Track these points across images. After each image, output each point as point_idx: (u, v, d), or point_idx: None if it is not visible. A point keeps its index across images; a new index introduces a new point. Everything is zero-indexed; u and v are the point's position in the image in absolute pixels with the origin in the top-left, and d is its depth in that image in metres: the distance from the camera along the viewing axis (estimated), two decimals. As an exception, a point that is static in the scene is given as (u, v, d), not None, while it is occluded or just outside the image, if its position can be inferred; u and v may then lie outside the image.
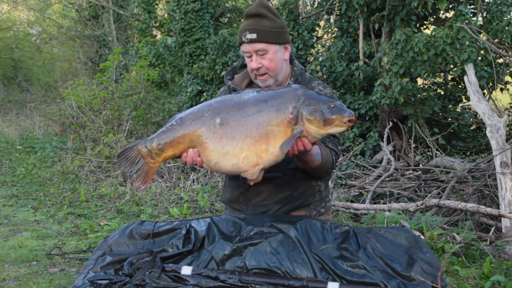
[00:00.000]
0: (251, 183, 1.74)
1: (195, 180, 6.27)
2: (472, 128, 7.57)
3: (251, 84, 2.16)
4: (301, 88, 1.75)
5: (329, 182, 2.30)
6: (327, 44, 10.05)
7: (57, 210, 5.11)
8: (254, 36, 1.95)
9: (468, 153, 7.29)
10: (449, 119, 7.27)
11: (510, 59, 5.95)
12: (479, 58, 5.90)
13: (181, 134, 1.78)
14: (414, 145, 6.91)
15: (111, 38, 15.98)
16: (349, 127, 1.72)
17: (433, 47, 5.74)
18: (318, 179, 2.12)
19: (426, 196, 4.90)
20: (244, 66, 2.24)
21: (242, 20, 1.99)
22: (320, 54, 8.92)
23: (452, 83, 7.53)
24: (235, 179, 2.15)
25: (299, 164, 1.96)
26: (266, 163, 1.71)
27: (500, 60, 6.16)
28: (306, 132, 1.69)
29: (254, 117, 1.70)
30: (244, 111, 1.72)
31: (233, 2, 13.81)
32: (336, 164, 2.14)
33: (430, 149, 6.83)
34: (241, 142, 1.70)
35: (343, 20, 8.25)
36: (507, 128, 5.60)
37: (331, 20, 9.25)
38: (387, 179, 5.53)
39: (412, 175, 5.71)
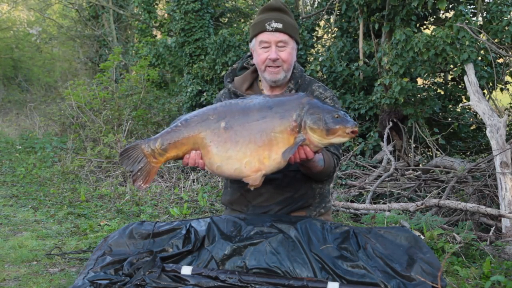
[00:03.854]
0: (252, 188, 1.75)
1: (195, 180, 6.27)
2: (472, 128, 7.57)
3: (251, 87, 2.16)
4: (306, 96, 1.75)
5: (330, 184, 2.30)
6: (327, 44, 10.05)
7: (57, 210, 5.11)
8: (280, 25, 1.96)
9: (468, 153, 7.29)
10: (449, 119, 7.27)
11: (510, 59, 5.95)
12: (479, 58, 5.90)
13: (185, 135, 1.78)
14: (414, 145, 6.91)
15: (111, 38, 15.99)
16: (351, 138, 1.72)
17: (433, 47, 5.74)
18: (319, 182, 2.12)
19: (426, 196, 4.90)
20: (244, 68, 2.23)
21: (260, 13, 1.97)
22: (320, 54, 8.93)
23: (452, 83, 7.53)
24: (236, 181, 2.15)
25: (301, 169, 1.97)
26: (268, 169, 1.72)
27: (500, 60, 6.16)
28: (309, 140, 1.70)
29: (258, 123, 1.71)
30: (249, 116, 1.73)
31: (233, 2, 13.82)
32: (338, 167, 2.14)
33: (430, 149, 6.83)
34: (244, 147, 1.71)
35: (343, 20, 8.25)
36: (507, 128, 5.61)
37: (331, 20, 9.26)
38: (387, 179, 5.53)
39: (412, 175, 5.71)
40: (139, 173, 1.84)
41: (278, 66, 2.00)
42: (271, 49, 1.98)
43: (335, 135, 1.67)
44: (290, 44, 2.00)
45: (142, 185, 1.85)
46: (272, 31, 1.96)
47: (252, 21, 12.85)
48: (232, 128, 1.73)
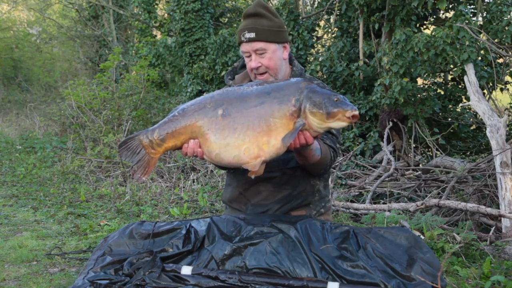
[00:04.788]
0: (252, 176, 1.72)
1: (195, 180, 6.26)
2: (472, 128, 7.57)
3: (251, 84, 2.17)
4: (304, 81, 1.74)
5: (329, 182, 2.30)
6: (327, 44, 10.05)
7: (57, 210, 5.11)
8: (252, 35, 1.96)
9: (468, 153, 7.28)
10: (449, 119, 7.27)
11: (510, 59, 5.95)
12: (479, 58, 5.90)
13: (182, 125, 1.77)
14: (414, 145, 6.91)
15: (111, 38, 15.99)
16: (351, 123, 1.70)
17: (433, 47, 5.74)
18: (316, 176, 2.12)
19: (426, 196, 4.90)
20: (244, 66, 2.24)
21: (241, 20, 2.03)
22: (320, 54, 8.93)
23: (452, 83, 7.53)
24: (235, 179, 2.15)
25: (298, 160, 1.96)
26: (268, 156, 1.70)
27: (500, 60, 6.16)
28: (308, 125, 1.68)
29: (257, 109, 1.69)
30: (246, 103, 1.71)
31: (233, 2, 13.81)
32: (335, 161, 2.13)
33: (430, 149, 6.83)
34: (243, 133, 1.69)
35: (343, 20, 8.25)
36: (507, 128, 5.61)
37: (331, 20, 9.26)
38: (387, 179, 5.53)
39: (412, 175, 5.71)
40: (138, 164, 1.84)
41: (264, 73, 2.01)
42: (251, 58, 2.00)
43: (335, 119, 1.65)
44: (270, 48, 1.99)
45: (141, 176, 1.84)
46: (247, 41, 1.98)
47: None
48: (229, 115, 1.71)
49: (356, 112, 1.65)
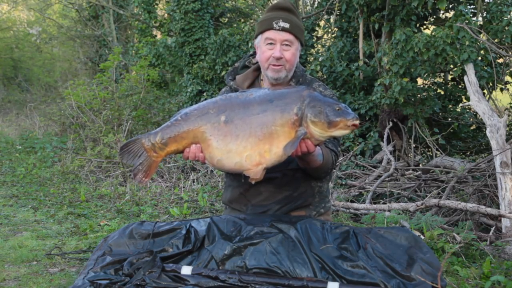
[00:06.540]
0: (253, 182, 1.74)
1: (195, 180, 6.26)
2: (472, 128, 7.57)
3: (252, 85, 2.17)
4: (307, 89, 1.75)
5: (329, 183, 2.31)
6: (327, 44, 10.05)
7: (57, 210, 5.11)
8: (287, 25, 1.98)
9: (468, 153, 7.29)
10: (449, 119, 7.27)
11: (510, 59, 5.95)
12: (479, 58, 5.90)
13: (185, 129, 1.78)
14: (414, 145, 6.91)
15: (111, 38, 15.98)
16: (352, 131, 1.72)
17: (433, 47, 5.74)
18: (317, 179, 2.12)
19: (426, 196, 4.90)
20: (245, 67, 2.24)
21: (267, 11, 2.02)
22: (320, 54, 8.92)
23: (452, 83, 7.53)
24: (236, 180, 2.15)
25: (300, 164, 1.96)
26: (269, 163, 1.72)
27: (500, 60, 6.16)
28: (310, 134, 1.69)
29: (259, 117, 1.71)
30: (249, 110, 1.73)
31: (233, 2, 13.81)
32: (336, 164, 2.14)
33: (430, 149, 6.83)
34: (245, 141, 1.71)
35: (343, 20, 8.25)
36: (507, 128, 5.61)
37: (331, 20, 9.26)
38: (387, 179, 5.53)
39: (412, 175, 5.71)
40: (139, 167, 1.85)
41: (280, 65, 2.01)
42: (275, 47, 1.99)
43: (336, 128, 1.67)
44: (295, 44, 2.01)
45: (142, 179, 1.85)
46: (278, 30, 1.98)
47: (252, 20, 12.75)
48: (232, 122, 1.73)
49: (358, 122, 1.67)
